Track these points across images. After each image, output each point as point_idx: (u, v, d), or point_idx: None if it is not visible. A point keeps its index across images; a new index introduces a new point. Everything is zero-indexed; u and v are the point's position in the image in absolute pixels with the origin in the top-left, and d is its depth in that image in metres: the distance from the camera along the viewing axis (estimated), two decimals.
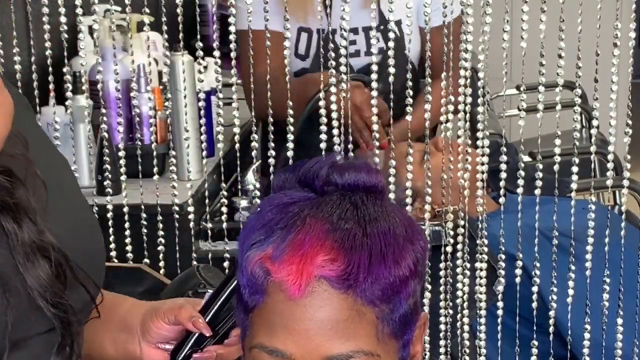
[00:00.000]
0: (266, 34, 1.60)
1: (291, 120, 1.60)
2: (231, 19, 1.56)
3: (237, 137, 1.69)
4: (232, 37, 1.57)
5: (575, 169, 1.55)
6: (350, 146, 1.83)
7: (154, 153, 1.80)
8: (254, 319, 1.01)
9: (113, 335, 1.15)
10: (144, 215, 1.73)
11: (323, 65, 1.59)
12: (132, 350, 1.15)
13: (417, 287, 1.04)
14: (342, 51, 1.56)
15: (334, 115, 1.59)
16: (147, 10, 1.70)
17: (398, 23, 2.12)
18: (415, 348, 1.06)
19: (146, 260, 1.71)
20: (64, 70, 1.67)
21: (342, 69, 1.56)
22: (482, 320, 1.63)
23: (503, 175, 1.56)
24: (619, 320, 1.57)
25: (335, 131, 1.62)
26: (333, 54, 1.56)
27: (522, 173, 1.54)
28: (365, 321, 0.99)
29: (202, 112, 1.73)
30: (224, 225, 1.71)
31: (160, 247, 1.72)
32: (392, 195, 1.56)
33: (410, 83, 1.59)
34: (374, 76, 1.54)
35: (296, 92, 1.67)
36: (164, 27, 1.69)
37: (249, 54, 1.62)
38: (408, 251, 1.02)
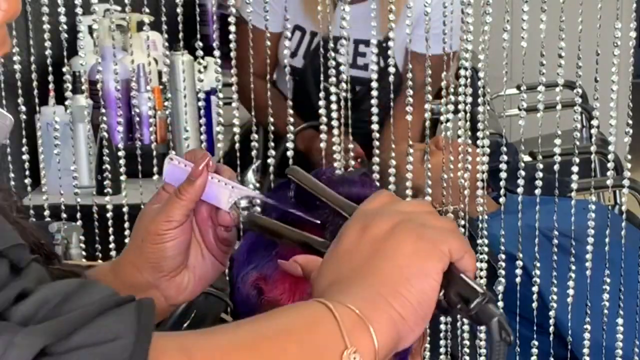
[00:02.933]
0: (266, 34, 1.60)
1: (291, 120, 1.60)
2: (231, 19, 1.56)
3: (237, 137, 1.69)
4: (232, 36, 1.57)
5: (575, 168, 1.55)
6: (350, 145, 1.83)
7: (154, 153, 1.80)
8: None
9: None
10: None
11: (316, 69, 1.59)
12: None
13: None
14: (341, 59, 1.55)
15: (334, 114, 1.59)
16: (147, 10, 1.69)
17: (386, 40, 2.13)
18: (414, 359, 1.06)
19: None
20: (64, 70, 1.67)
21: (337, 75, 1.55)
22: None
23: (503, 175, 1.56)
24: (619, 321, 1.57)
25: (335, 131, 1.62)
26: (325, 60, 1.56)
27: (522, 173, 1.54)
28: None
29: (202, 112, 1.73)
30: None
31: None
32: None
33: (410, 92, 1.59)
34: (374, 93, 1.54)
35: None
36: (164, 27, 1.69)
37: (246, 50, 1.62)
38: None
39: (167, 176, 1.03)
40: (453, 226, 0.84)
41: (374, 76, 1.52)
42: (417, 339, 0.82)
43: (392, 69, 1.54)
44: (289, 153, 1.60)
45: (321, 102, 1.56)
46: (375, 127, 1.56)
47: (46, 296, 0.70)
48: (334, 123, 1.58)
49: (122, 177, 1.76)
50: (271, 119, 1.67)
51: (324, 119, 1.57)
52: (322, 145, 1.58)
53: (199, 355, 0.72)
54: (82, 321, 0.68)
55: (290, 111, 1.60)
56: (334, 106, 1.56)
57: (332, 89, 1.54)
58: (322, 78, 1.57)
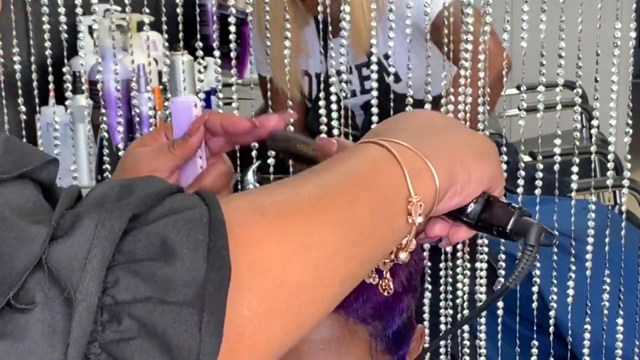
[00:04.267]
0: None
1: (291, 120, 1.60)
2: (231, 19, 1.56)
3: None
4: (232, 37, 1.57)
5: (575, 168, 1.55)
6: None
7: None
8: None
9: None
10: None
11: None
12: None
13: (412, 302, 1.04)
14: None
15: (334, 115, 1.59)
16: (147, 10, 1.69)
17: (386, 57, 2.14)
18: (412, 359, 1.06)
19: None
20: (64, 70, 1.67)
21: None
22: (482, 320, 1.63)
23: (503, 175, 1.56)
24: (619, 321, 1.57)
25: (335, 131, 1.62)
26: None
27: (522, 173, 1.54)
28: (358, 340, 0.99)
29: None
30: None
31: None
32: None
33: (411, 100, 1.59)
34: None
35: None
36: (164, 27, 1.69)
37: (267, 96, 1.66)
38: (401, 267, 1.02)
39: (174, 115, 1.04)
40: None
41: (374, 85, 1.53)
42: (450, 208, 0.82)
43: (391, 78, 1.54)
44: None
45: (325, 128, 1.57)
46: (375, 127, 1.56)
47: (104, 190, 0.70)
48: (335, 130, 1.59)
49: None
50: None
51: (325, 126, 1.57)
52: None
53: (273, 211, 0.72)
54: (155, 200, 0.69)
55: (291, 111, 1.61)
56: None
57: (334, 124, 1.56)
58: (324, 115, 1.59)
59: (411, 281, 1.03)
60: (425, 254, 1.59)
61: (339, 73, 1.58)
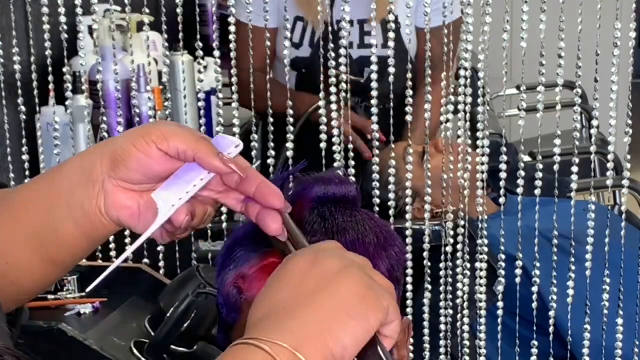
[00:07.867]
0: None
1: (291, 120, 1.60)
2: (231, 19, 1.56)
3: (237, 137, 1.69)
4: (232, 37, 1.57)
5: (575, 169, 1.55)
6: (350, 146, 1.83)
7: None
8: (233, 337, 1.02)
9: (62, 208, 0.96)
10: None
11: (323, 56, 1.59)
12: (89, 207, 0.96)
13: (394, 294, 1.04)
14: (343, 42, 1.56)
15: (334, 115, 1.59)
16: (147, 10, 1.69)
17: (395, 21, 2.13)
18: (400, 353, 1.06)
19: (146, 260, 1.71)
20: (64, 70, 1.67)
21: (342, 60, 1.56)
22: (482, 320, 1.63)
23: (503, 175, 1.56)
24: (619, 321, 1.57)
25: (335, 131, 1.62)
26: (332, 46, 1.56)
27: (522, 173, 1.54)
28: None
29: (202, 112, 1.73)
30: (224, 225, 1.71)
31: (160, 247, 1.72)
32: (392, 195, 1.57)
33: (410, 83, 1.59)
34: (374, 76, 1.54)
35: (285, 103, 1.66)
36: (164, 27, 1.69)
37: (245, 48, 1.63)
38: (381, 259, 1.02)
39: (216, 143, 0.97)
40: (393, 289, 0.86)
41: (374, 59, 1.52)
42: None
43: (390, 45, 1.53)
44: (289, 153, 1.60)
45: (332, 89, 1.56)
46: (375, 127, 1.56)
47: None
48: (340, 105, 1.58)
49: None
50: (271, 120, 1.67)
51: (334, 106, 1.57)
52: (322, 145, 1.58)
53: None
54: None
55: (290, 109, 1.60)
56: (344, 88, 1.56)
57: (343, 76, 1.54)
58: (332, 64, 1.57)
59: (392, 273, 1.03)
60: (426, 254, 1.59)
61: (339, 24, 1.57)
